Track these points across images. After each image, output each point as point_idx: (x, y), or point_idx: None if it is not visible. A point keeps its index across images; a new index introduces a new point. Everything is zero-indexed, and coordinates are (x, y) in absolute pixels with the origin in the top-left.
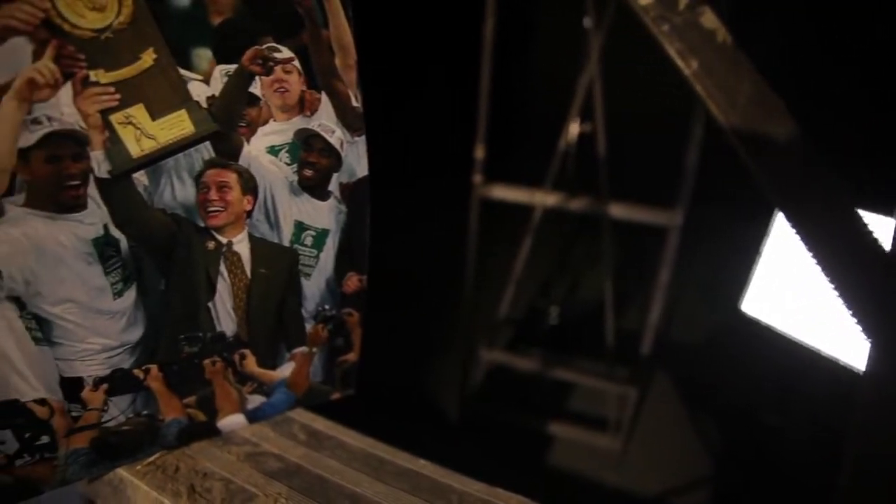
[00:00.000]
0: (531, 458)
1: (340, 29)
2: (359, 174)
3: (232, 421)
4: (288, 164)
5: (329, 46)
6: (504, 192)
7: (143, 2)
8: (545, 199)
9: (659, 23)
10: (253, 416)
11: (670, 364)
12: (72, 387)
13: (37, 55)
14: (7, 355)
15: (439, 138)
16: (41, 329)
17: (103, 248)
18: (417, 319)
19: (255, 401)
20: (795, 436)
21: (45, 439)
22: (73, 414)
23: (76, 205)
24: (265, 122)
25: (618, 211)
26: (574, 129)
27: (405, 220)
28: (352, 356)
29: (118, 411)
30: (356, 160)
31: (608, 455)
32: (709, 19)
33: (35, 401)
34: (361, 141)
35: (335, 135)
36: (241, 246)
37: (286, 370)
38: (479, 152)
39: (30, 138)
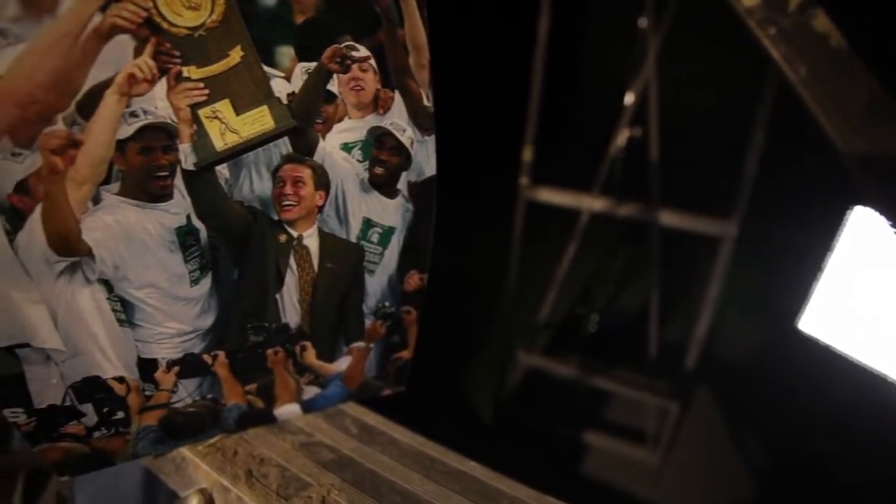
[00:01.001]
0: (563, 466)
1: (415, 28)
2: (427, 173)
3: (288, 410)
4: (360, 162)
5: (404, 46)
6: (550, 195)
7: (233, 1)
8: (592, 203)
9: (765, 26)
10: (307, 407)
11: (715, 380)
12: (147, 367)
13: (137, 52)
14: (94, 334)
15: (487, 138)
16: (125, 311)
17: (185, 238)
18: (457, 318)
19: (311, 392)
20: (853, 463)
21: (120, 415)
22: (146, 393)
23: (163, 195)
24: (340, 119)
25: (668, 218)
26: (625, 132)
27: (450, 219)
28: (406, 353)
29: (186, 393)
30: (425, 159)
31: (644, 469)
32: (821, 22)
33: (114, 378)
34: (431, 140)
35: (406, 133)
36: (311, 240)
37: (342, 364)
38: (527, 154)
39: (127, 130)
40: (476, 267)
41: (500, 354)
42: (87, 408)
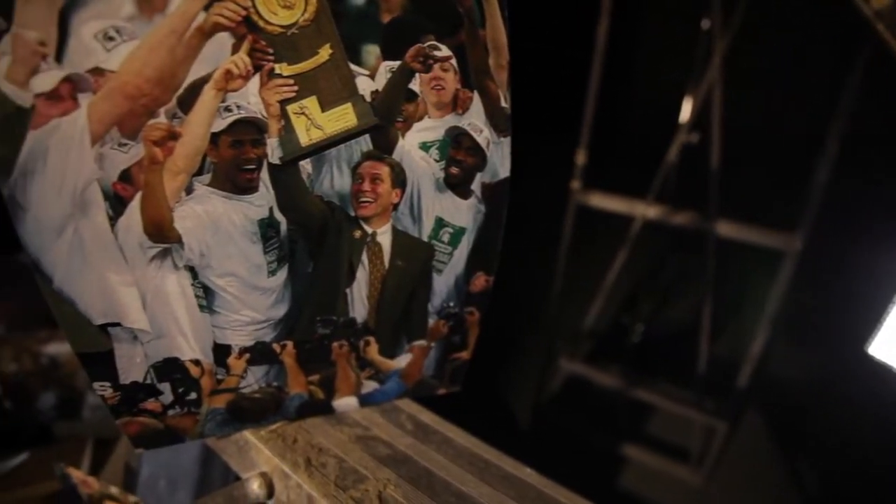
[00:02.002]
0: (601, 478)
1: (497, 29)
2: (500, 175)
3: (346, 402)
4: (436, 161)
5: (485, 46)
6: (602, 201)
7: (325, 0)
8: (646, 210)
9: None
10: (364, 401)
11: (768, 402)
12: (221, 352)
13: (234, 49)
14: (177, 318)
15: (540, 139)
16: (206, 298)
17: (266, 230)
18: (500, 320)
19: (369, 386)
20: None
21: (193, 395)
22: (218, 377)
23: (250, 187)
24: (420, 118)
25: (727, 229)
26: (683, 137)
27: None
28: (465, 354)
29: (253, 379)
30: (500, 161)
31: (686, 489)
32: None
33: (191, 360)
34: (506, 142)
35: (483, 134)
36: (384, 237)
37: (402, 361)
38: (581, 157)
39: (221, 124)
40: (522, 269)
41: (541, 359)
42: (165, 387)
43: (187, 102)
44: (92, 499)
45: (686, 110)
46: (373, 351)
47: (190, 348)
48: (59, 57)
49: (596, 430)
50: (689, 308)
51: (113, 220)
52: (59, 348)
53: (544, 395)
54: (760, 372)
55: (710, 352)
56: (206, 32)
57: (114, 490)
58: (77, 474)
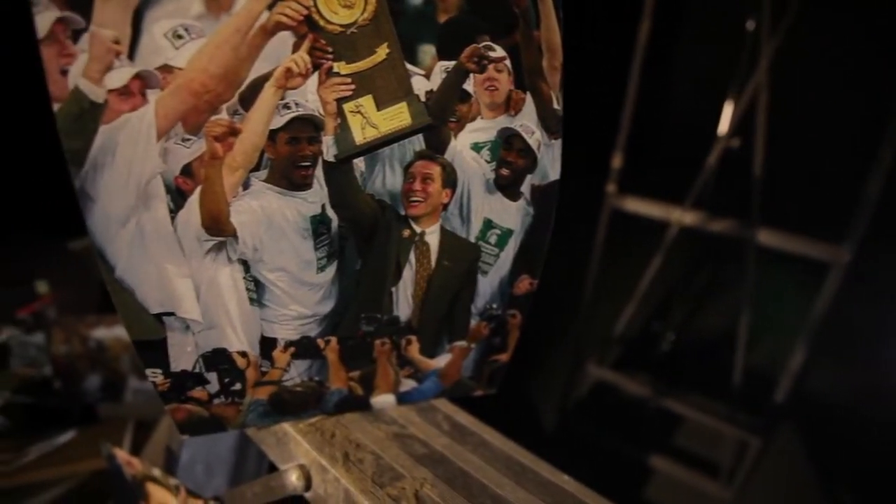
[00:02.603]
0: (626, 487)
1: (551, 30)
2: (551, 177)
3: (383, 400)
4: (488, 162)
5: (539, 47)
6: (638, 205)
7: (384, 0)
8: (683, 216)
9: None
10: (402, 399)
11: (805, 418)
12: (267, 345)
13: (295, 47)
14: (228, 310)
15: (576, 141)
16: (256, 291)
17: (318, 226)
18: (528, 323)
19: (407, 385)
20: None
21: (238, 386)
22: (262, 369)
23: (304, 184)
24: (473, 119)
25: (769, 238)
26: (724, 142)
27: None
28: (504, 357)
29: (296, 373)
30: (550, 163)
31: None
32: None
33: (238, 352)
34: (557, 144)
35: (534, 136)
36: (432, 237)
37: (442, 361)
38: (617, 161)
39: (279, 121)
40: (553, 272)
41: (569, 364)
42: (212, 376)
43: (248, 99)
44: (135, 479)
45: (727, 114)
46: (414, 350)
47: (238, 340)
48: (132, 54)
49: (622, 439)
50: (723, 318)
51: (173, 213)
52: (106, 333)
53: (571, 400)
54: (798, 387)
55: (746, 364)
56: (269, 31)
57: (156, 472)
58: (122, 455)
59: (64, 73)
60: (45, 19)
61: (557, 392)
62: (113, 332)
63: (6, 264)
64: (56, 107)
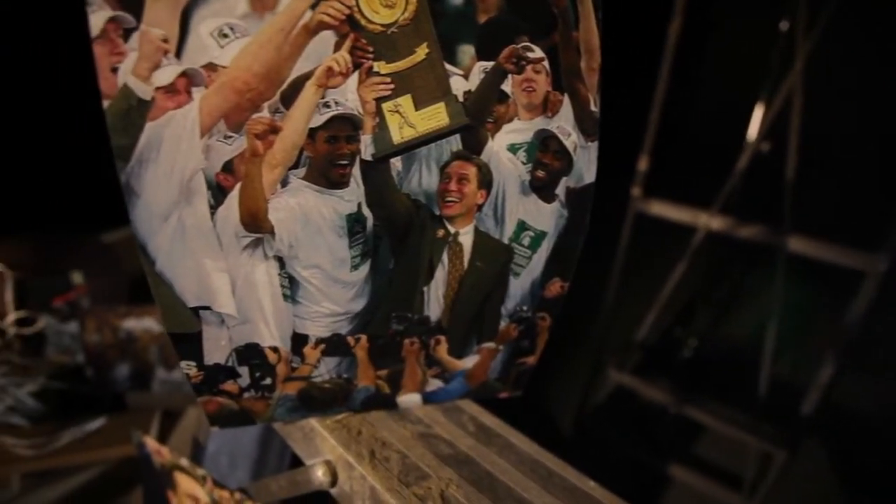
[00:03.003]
0: (643, 496)
1: (590, 31)
2: (586, 180)
3: (409, 399)
4: (524, 164)
5: (577, 48)
6: (663, 209)
7: (425, 0)
8: (710, 221)
9: None
10: (428, 398)
11: (834, 432)
12: (298, 341)
13: (336, 47)
14: (262, 305)
15: (601, 142)
16: (290, 288)
17: (353, 224)
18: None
19: (434, 385)
20: None
21: (268, 381)
22: (293, 365)
23: (341, 182)
24: (510, 120)
25: (800, 245)
26: (755, 146)
27: None
28: (531, 359)
29: (325, 370)
30: (586, 165)
31: None
32: None
33: (270, 347)
34: (593, 147)
35: (570, 138)
36: (466, 237)
37: (469, 362)
38: (643, 163)
39: (319, 119)
40: (576, 274)
41: (588, 368)
42: (244, 370)
43: (289, 98)
44: (164, 467)
45: (758, 117)
46: (442, 350)
47: (270, 335)
48: (179, 53)
49: (641, 446)
50: (749, 326)
51: (213, 209)
52: (136, 324)
53: (589, 404)
54: (827, 400)
55: (772, 373)
56: (312, 30)
57: (184, 462)
58: (152, 444)
59: (114, 70)
60: (98, 18)
61: (576, 395)
62: (142, 324)
63: (44, 255)
64: (106, 103)
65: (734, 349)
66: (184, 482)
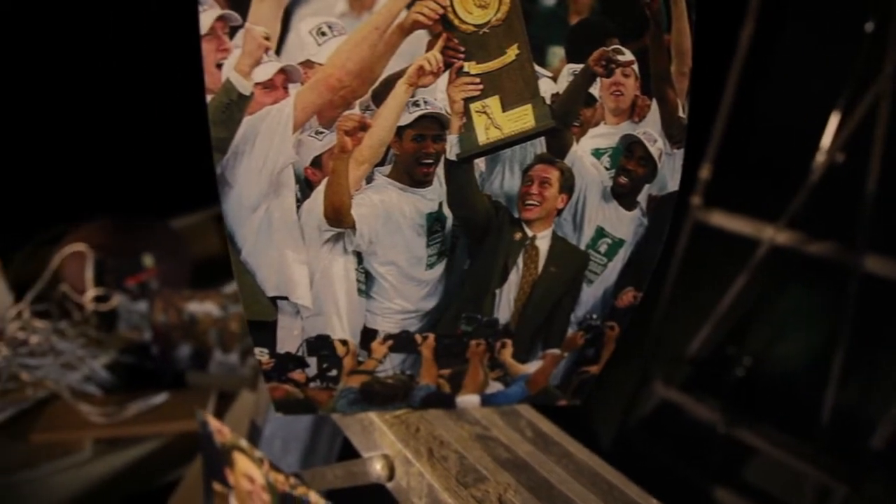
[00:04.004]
0: None
1: (682, 34)
2: (669, 188)
3: (468, 400)
4: (607, 169)
5: (668, 51)
6: (725, 220)
7: (518, 0)
8: (776, 235)
9: None
10: (486, 401)
11: None
12: (367, 336)
13: (429, 46)
14: (336, 298)
15: None
16: (366, 283)
17: (433, 224)
18: None
19: (494, 387)
20: None
21: (334, 372)
22: (359, 359)
23: (425, 181)
24: (596, 124)
25: (877, 266)
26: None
27: None
28: (594, 369)
29: (390, 366)
30: (670, 173)
31: None
32: None
33: (340, 340)
34: (679, 154)
35: (656, 144)
36: (543, 241)
37: (532, 367)
38: (705, 171)
39: (407, 118)
40: None
41: (634, 379)
42: (312, 360)
43: (380, 96)
44: (224, 446)
45: (833, 125)
46: (507, 353)
47: (342, 328)
48: (278, 50)
49: (686, 465)
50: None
51: (299, 203)
52: (198, 307)
53: (633, 417)
54: None
55: (837, 402)
56: (406, 30)
57: (243, 443)
58: (214, 423)
59: (219, 66)
60: (208, 17)
61: (620, 407)
62: (204, 307)
63: (119, 238)
64: (209, 98)
65: (792, 372)
66: (241, 462)
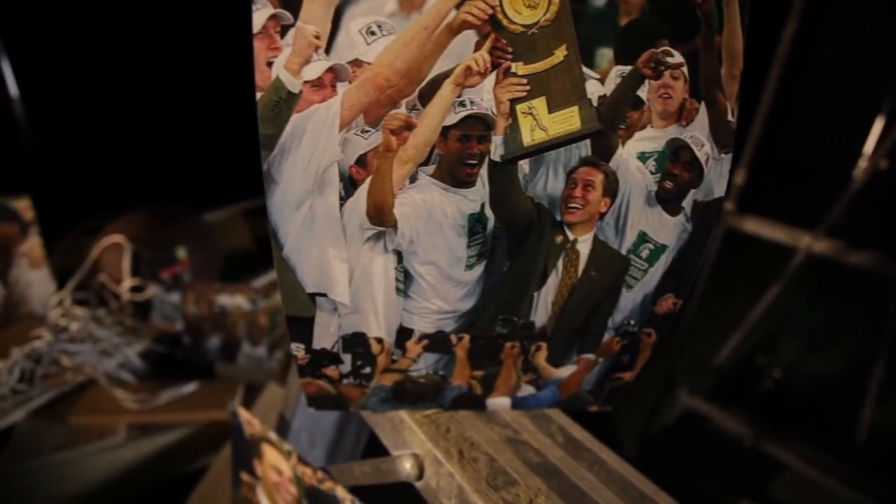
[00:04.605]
0: None
1: (734, 35)
2: (715, 194)
3: (498, 402)
4: (652, 173)
5: (719, 54)
6: (760, 227)
7: (567, 0)
8: (813, 243)
9: None
10: (516, 404)
11: None
12: (403, 335)
13: (477, 46)
14: (374, 297)
15: None
16: (404, 282)
17: (474, 224)
18: None
19: (525, 390)
20: None
21: (367, 370)
22: (393, 357)
23: (468, 182)
24: (643, 127)
25: None
26: (872, 162)
27: None
28: (628, 375)
29: (423, 365)
30: (717, 178)
31: None
32: None
33: (375, 338)
34: (727, 159)
35: (703, 149)
36: (584, 245)
37: (566, 371)
38: (739, 176)
39: (453, 118)
40: None
41: (658, 387)
42: (347, 357)
43: (427, 95)
44: (253, 438)
45: (877, 129)
46: (541, 357)
47: (378, 326)
48: (328, 49)
49: (710, 478)
50: (847, 362)
51: (342, 201)
52: (228, 300)
53: (656, 426)
54: None
55: (874, 419)
56: (455, 29)
57: (272, 435)
58: (244, 414)
59: (269, 64)
60: (261, 16)
61: (642, 415)
62: (234, 301)
63: (155, 230)
64: (258, 95)
65: (826, 386)
66: (270, 454)
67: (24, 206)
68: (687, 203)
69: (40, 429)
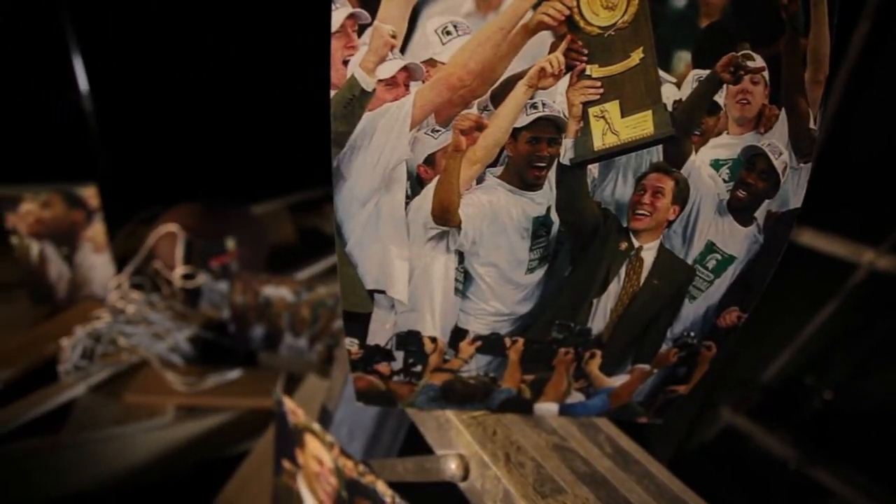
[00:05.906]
0: None
1: (820, 39)
2: (791, 205)
3: (546, 407)
4: (725, 182)
5: (803, 57)
6: (818, 241)
7: (646, 2)
8: (877, 260)
9: None
10: (564, 410)
11: None
12: (457, 335)
13: (552, 48)
14: (433, 296)
15: None
16: (464, 283)
17: (538, 228)
18: None
19: (575, 397)
20: None
21: (418, 368)
22: (446, 357)
23: (535, 184)
24: (718, 134)
25: None
26: None
27: None
28: (683, 388)
29: (475, 367)
30: (794, 189)
31: None
32: None
33: (429, 337)
34: (806, 169)
35: (781, 157)
36: (649, 253)
37: (618, 381)
38: None
39: (524, 119)
40: None
41: (699, 402)
42: (399, 354)
43: (499, 96)
44: (297, 427)
45: None
46: (594, 364)
47: (433, 326)
48: (403, 48)
49: (749, 500)
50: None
51: (408, 199)
52: (273, 291)
53: (693, 442)
54: None
55: None
56: (531, 30)
57: (315, 426)
58: (289, 403)
59: (345, 63)
60: (339, 14)
61: (680, 430)
62: (279, 292)
63: (206, 221)
64: (332, 93)
65: (879, 410)
66: (312, 444)
67: (90, 194)
68: (760, 214)
69: (98, 404)
